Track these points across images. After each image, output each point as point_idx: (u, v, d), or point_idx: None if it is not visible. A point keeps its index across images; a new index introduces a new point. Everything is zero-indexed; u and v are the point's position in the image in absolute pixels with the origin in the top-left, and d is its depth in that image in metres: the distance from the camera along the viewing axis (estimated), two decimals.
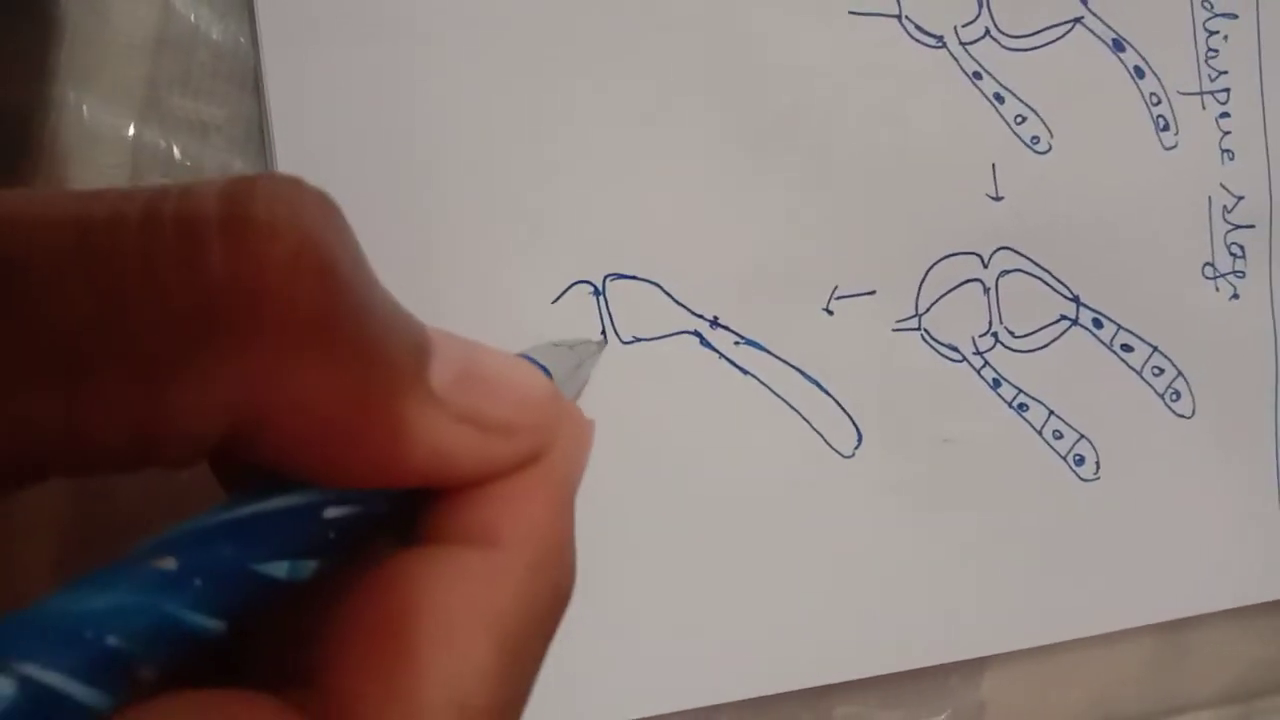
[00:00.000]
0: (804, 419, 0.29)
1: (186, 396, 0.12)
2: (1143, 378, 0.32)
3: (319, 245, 0.13)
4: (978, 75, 0.30)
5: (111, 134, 0.26)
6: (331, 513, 0.14)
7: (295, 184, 0.13)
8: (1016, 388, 0.31)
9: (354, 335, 0.13)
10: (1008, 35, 0.30)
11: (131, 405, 0.12)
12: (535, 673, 0.15)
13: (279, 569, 0.14)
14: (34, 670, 0.11)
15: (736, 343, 0.29)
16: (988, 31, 0.30)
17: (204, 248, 0.12)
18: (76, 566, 0.13)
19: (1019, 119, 0.31)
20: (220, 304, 0.12)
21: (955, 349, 0.31)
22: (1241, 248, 0.33)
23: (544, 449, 0.16)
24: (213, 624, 0.13)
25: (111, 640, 0.12)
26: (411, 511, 0.15)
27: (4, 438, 0.12)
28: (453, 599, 0.14)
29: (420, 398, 0.14)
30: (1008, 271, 0.31)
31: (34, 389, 0.12)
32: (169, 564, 0.13)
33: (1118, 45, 0.31)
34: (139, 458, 0.13)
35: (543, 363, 0.22)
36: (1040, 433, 0.31)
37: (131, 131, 0.26)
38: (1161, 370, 0.32)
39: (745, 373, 0.29)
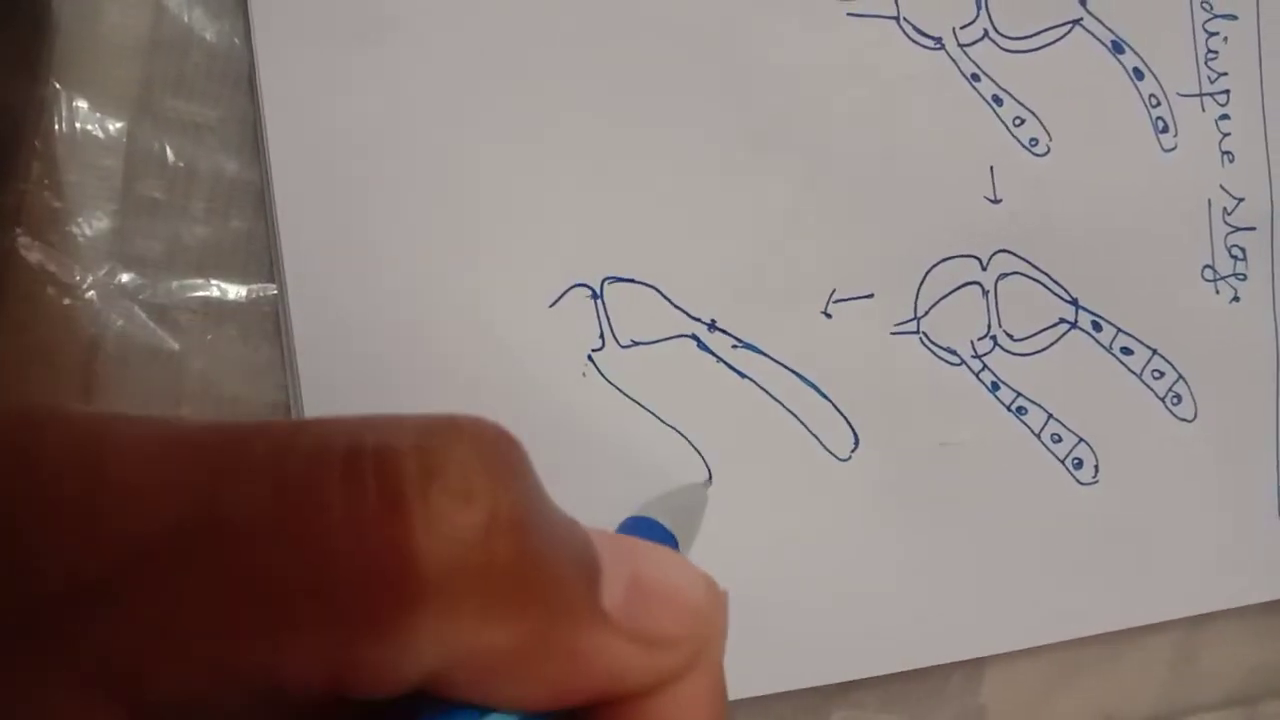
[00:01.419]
0: (801, 422, 0.29)
1: (384, 656, 0.13)
2: (1143, 381, 0.32)
3: (513, 506, 0.13)
4: (976, 77, 0.30)
5: (105, 135, 0.26)
6: None
7: (486, 436, 0.14)
8: (1015, 391, 0.31)
9: (539, 582, 0.14)
10: (1006, 37, 0.30)
11: (329, 661, 0.12)
12: None
13: None
14: None
15: (734, 346, 0.29)
16: (986, 33, 0.30)
17: (406, 513, 0.12)
18: None
19: (1017, 121, 0.31)
20: (419, 569, 0.12)
21: (954, 352, 0.30)
22: (1242, 250, 0.33)
23: (707, 651, 0.16)
24: None
25: None
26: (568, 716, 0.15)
27: (205, 684, 0.12)
28: None
29: (595, 623, 0.14)
30: (1006, 274, 0.31)
31: (239, 638, 0.12)
32: None
33: (1117, 47, 0.31)
34: (327, 704, 0.13)
35: (661, 518, 0.23)
36: (1039, 436, 0.31)
37: (125, 133, 0.26)
38: (1162, 373, 0.32)
39: (743, 376, 0.29)
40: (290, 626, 0.12)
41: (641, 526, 0.24)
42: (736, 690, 0.29)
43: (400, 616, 0.12)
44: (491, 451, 0.13)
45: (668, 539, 0.23)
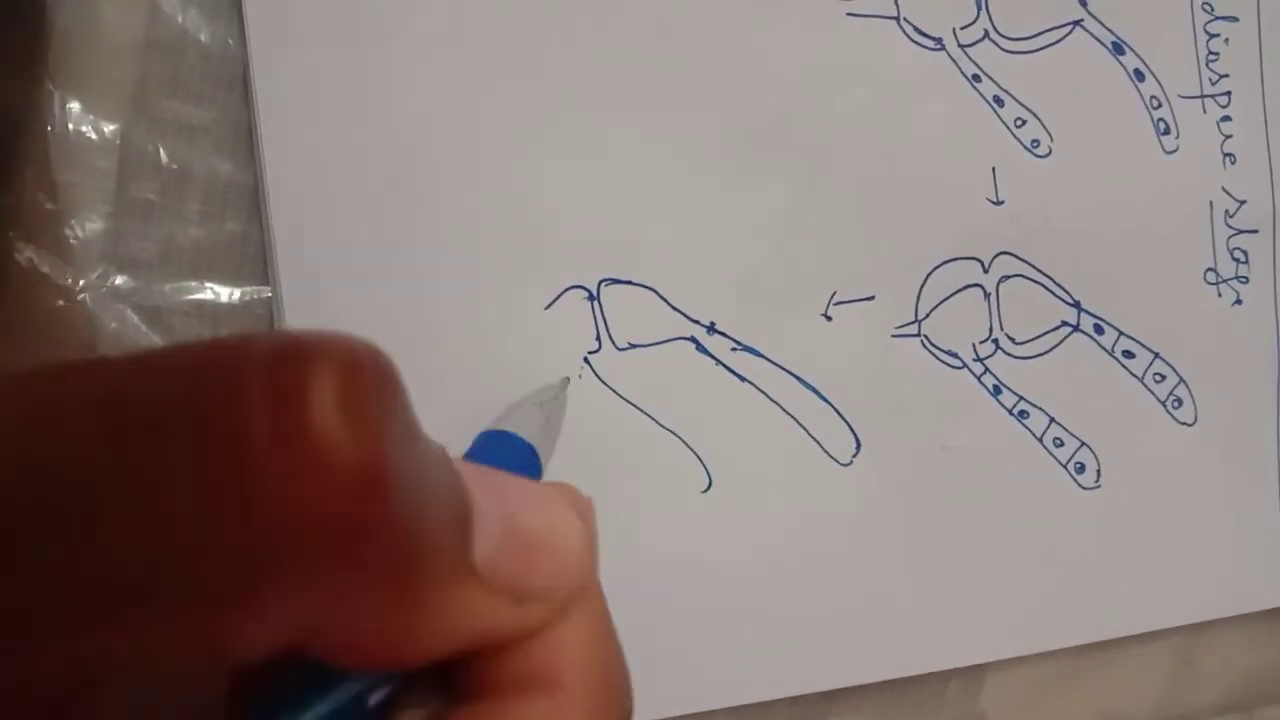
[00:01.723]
0: (801, 426, 0.29)
1: (243, 627, 0.12)
2: (1144, 385, 0.32)
3: (384, 453, 0.11)
4: (977, 78, 0.30)
5: (99, 137, 0.25)
6: (375, 698, 0.14)
7: (350, 363, 0.12)
8: (1017, 395, 0.31)
9: (406, 540, 0.12)
10: (1007, 38, 0.30)
11: (184, 635, 0.11)
12: None
13: None
14: None
15: (734, 349, 0.29)
16: (987, 34, 0.30)
17: (257, 470, 0.11)
18: None
19: (1019, 122, 0.30)
20: (273, 533, 0.11)
21: (955, 355, 0.30)
22: (1244, 253, 0.32)
23: (582, 593, 0.15)
24: None
25: None
26: (440, 669, 0.15)
27: (62, 673, 0.11)
28: None
29: (465, 580, 0.13)
30: (1008, 277, 0.31)
31: (84, 621, 0.11)
32: None
33: (1118, 48, 0.31)
34: (191, 673, 0.12)
35: (518, 429, 0.22)
36: (1041, 440, 0.31)
37: (119, 134, 0.26)
38: (1163, 377, 0.32)
39: (742, 379, 0.29)
40: (139, 603, 0.11)
41: (500, 443, 0.22)
42: (734, 697, 0.29)
43: (251, 584, 0.11)
44: (358, 390, 0.11)
45: (529, 456, 0.22)
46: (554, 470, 0.27)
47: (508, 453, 0.22)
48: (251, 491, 0.11)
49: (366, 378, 0.12)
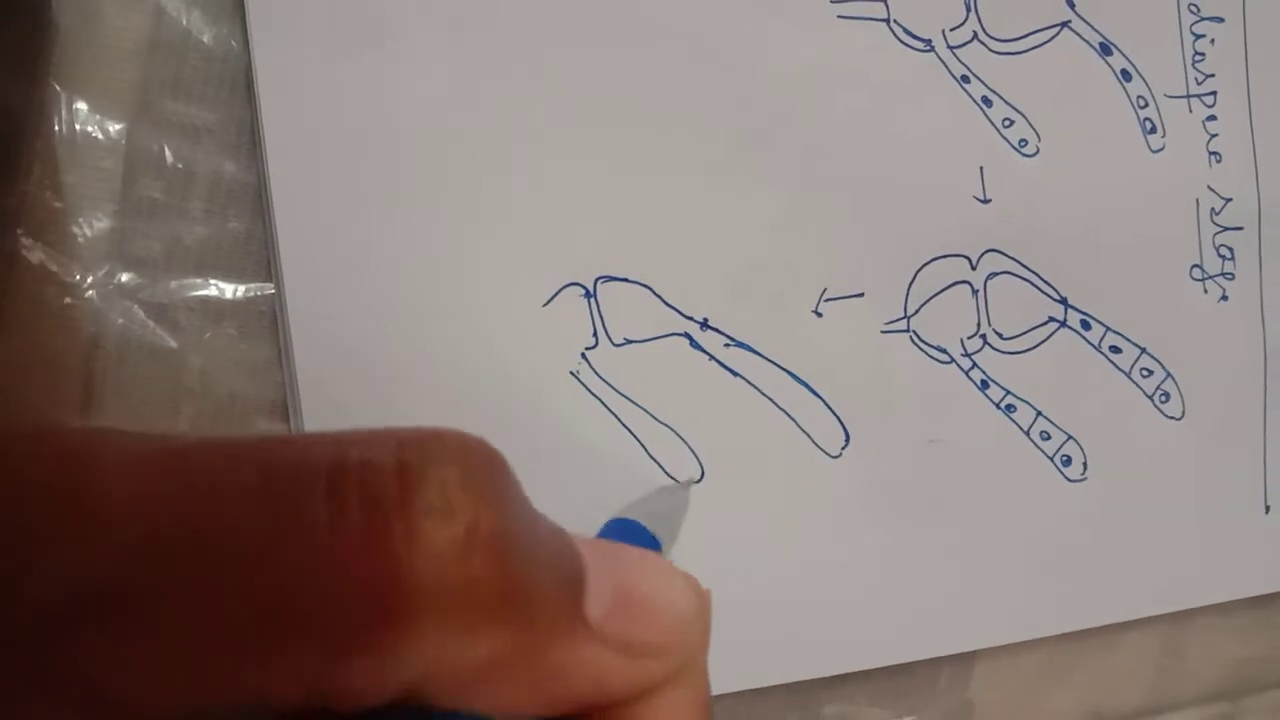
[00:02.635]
0: (792, 420, 0.30)
1: (364, 673, 0.13)
2: (1131, 379, 0.32)
3: (494, 521, 0.13)
4: (965, 78, 0.30)
5: (104, 137, 0.26)
6: None
7: (467, 450, 0.13)
8: (1005, 389, 0.31)
9: (523, 597, 0.13)
10: (995, 39, 0.31)
11: (312, 679, 0.13)
12: None
13: None
14: None
15: (726, 344, 0.29)
16: (975, 35, 0.30)
17: (386, 531, 0.12)
18: None
19: (1006, 122, 0.31)
20: (399, 587, 0.12)
21: (944, 350, 0.31)
22: (1230, 249, 0.33)
23: (693, 660, 0.16)
24: None
25: None
26: None
27: (188, 702, 0.12)
28: None
29: (578, 635, 0.14)
30: (996, 273, 0.31)
31: (222, 658, 0.12)
32: None
33: (1105, 49, 0.31)
34: (308, 715, 0.13)
35: (644, 519, 0.23)
36: (1028, 434, 0.31)
37: (124, 134, 0.26)
38: (1150, 371, 0.32)
39: (735, 374, 0.29)
40: (273, 646, 0.12)
41: (624, 529, 0.24)
42: (727, 684, 0.29)
43: (381, 634, 0.13)
44: (473, 466, 0.13)
45: (650, 542, 0.23)
46: (554, 460, 0.28)
47: (631, 537, 0.24)
48: (375, 554, 0.12)
49: (481, 458, 0.14)
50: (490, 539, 0.13)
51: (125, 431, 0.14)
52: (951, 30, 0.30)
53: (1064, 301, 0.32)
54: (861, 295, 0.30)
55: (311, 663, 0.12)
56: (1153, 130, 0.32)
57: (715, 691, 0.29)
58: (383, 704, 0.13)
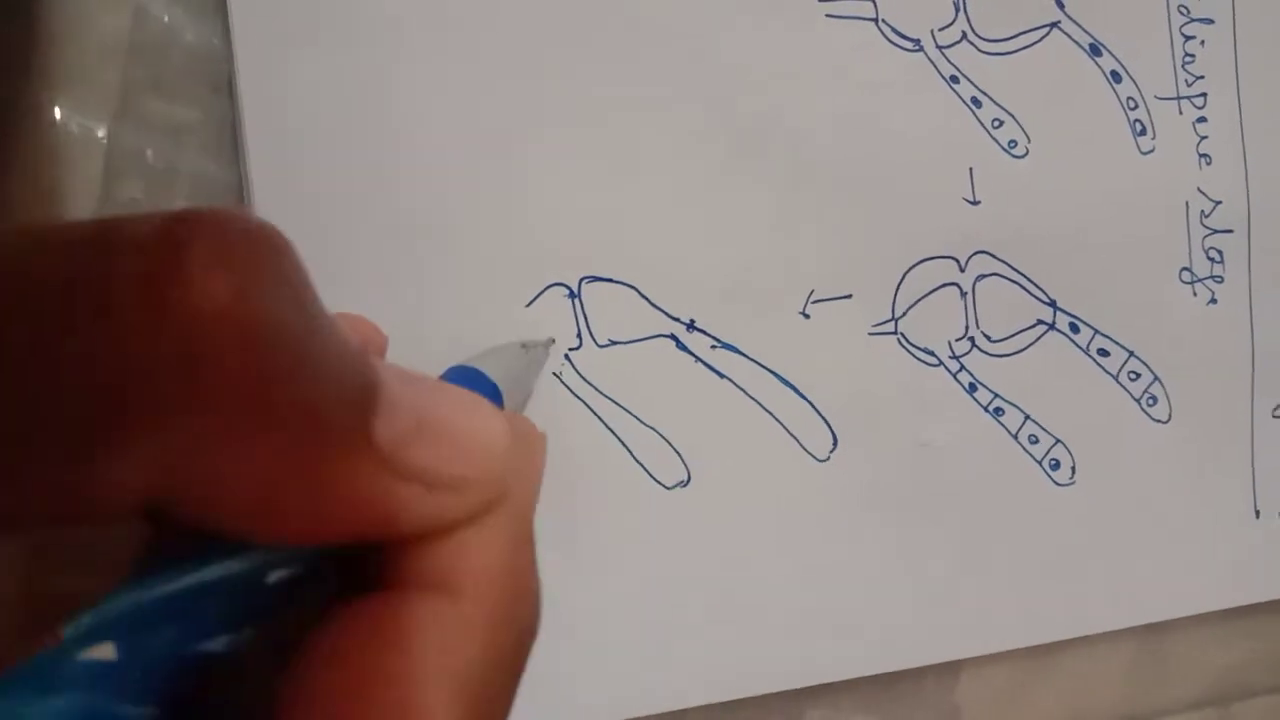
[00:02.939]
0: (779, 422, 0.29)
1: (106, 472, 0.11)
2: (1119, 382, 0.32)
3: (250, 301, 0.12)
4: (955, 79, 0.30)
5: (85, 137, 0.26)
6: (275, 575, 0.13)
7: (234, 223, 0.12)
8: (993, 392, 0.31)
9: (289, 398, 0.12)
10: (984, 39, 0.30)
11: (43, 481, 0.11)
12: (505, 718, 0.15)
13: (218, 643, 0.13)
14: None
15: (713, 346, 0.29)
16: (964, 35, 0.30)
17: (128, 305, 0.11)
18: None
19: (996, 123, 0.31)
20: (142, 370, 0.11)
21: (932, 353, 0.31)
22: (1219, 252, 0.33)
23: (501, 496, 0.15)
24: (148, 712, 0.12)
25: None
26: (348, 559, 0.14)
27: None
28: (415, 658, 0.13)
29: (362, 454, 0.13)
30: (984, 276, 0.31)
31: None
32: (108, 653, 0.11)
33: (1094, 49, 0.31)
34: (58, 522, 0.12)
35: (493, 368, 0.21)
36: (1016, 437, 0.31)
37: (105, 134, 0.26)
38: (1138, 375, 0.32)
39: (721, 376, 0.29)
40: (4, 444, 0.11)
41: (464, 375, 0.22)
42: (711, 695, 0.29)
43: (115, 425, 0.11)
44: (244, 244, 0.12)
45: (490, 390, 0.22)
46: None
47: (472, 387, 0.22)
48: (110, 329, 0.11)
49: (242, 235, 0.12)
50: (252, 325, 0.12)
51: None
52: (940, 30, 0.30)
53: (1053, 304, 0.31)
54: (849, 297, 0.30)
55: (42, 464, 0.11)
56: (1142, 132, 0.32)
57: (701, 702, 0.29)
58: (133, 512, 0.12)
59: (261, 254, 0.12)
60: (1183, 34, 0.32)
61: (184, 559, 0.13)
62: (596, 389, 0.28)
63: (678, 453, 0.29)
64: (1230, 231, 0.33)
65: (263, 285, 0.12)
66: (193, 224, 0.12)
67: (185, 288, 0.11)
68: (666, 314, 0.29)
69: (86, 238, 0.12)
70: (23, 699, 0.11)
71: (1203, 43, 0.32)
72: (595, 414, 0.28)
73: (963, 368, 0.31)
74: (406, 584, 0.14)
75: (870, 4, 0.30)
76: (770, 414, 0.29)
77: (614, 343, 0.28)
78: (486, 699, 0.14)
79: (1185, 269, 0.33)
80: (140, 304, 0.11)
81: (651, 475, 0.29)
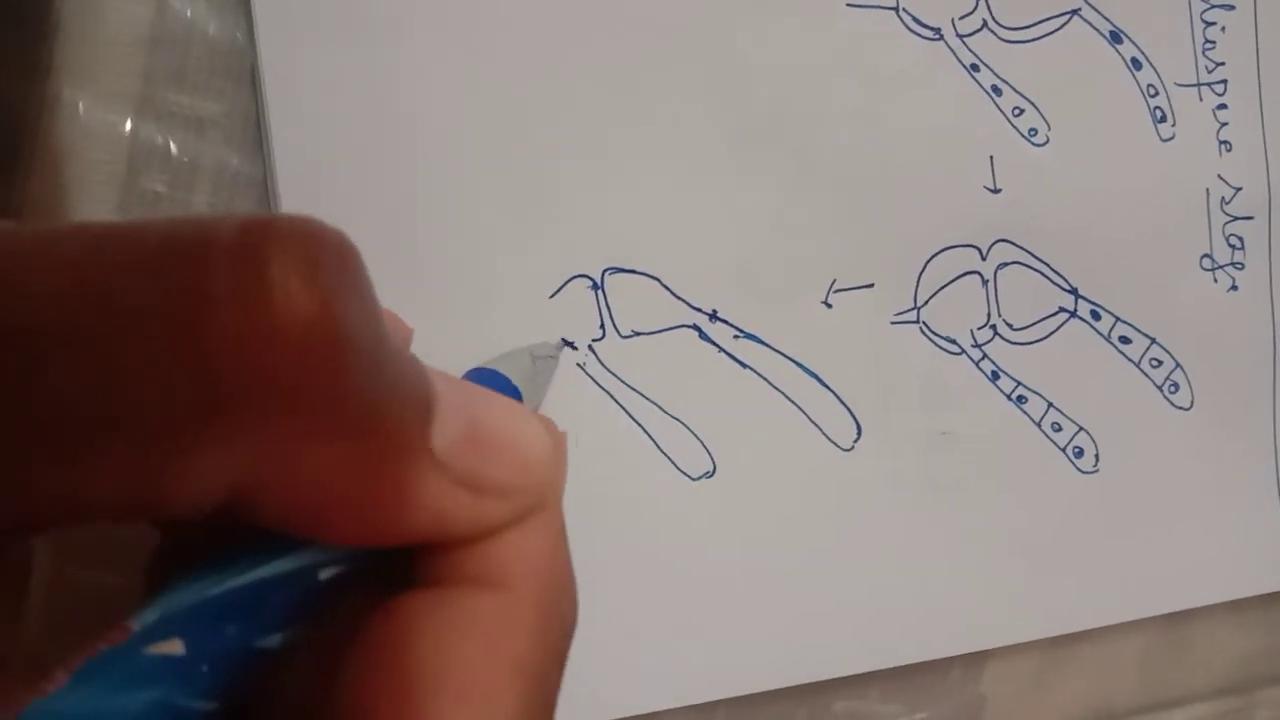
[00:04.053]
0: (803, 412, 0.29)
1: (185, 472, 0.12)
2: (1141, 370, 0.32)
3: (335, 315, 0.12)
4: (975, 67, 0.30)
5: (108, 131, 0.26)
6: (326, 574, 0.14)
7: (311, 235, 0.12)
8: (1015, 380, 0.31)
9: (362, 407, 0.13)
10: (1005, 27, 0.30)
11: (129, 476, 0.12)
12: (554, 707, 0.15)
13: (273, 640, 0.13)
14: None
15: (735, 336, 0.29)
16: (985, 23, 0.30)
17: (209, 313, 0.11)
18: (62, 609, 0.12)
19: (1016, 111, 0.31)
20: (225, 378, 0.12)
21: (954, 341, 0.31)
22: (1240, 239, 0.33)
23: (543, 502, 0.16)
24: (211, 706, 0.12)
25: None
26: (393, 559, 0.15)
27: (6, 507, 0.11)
28: (469, 648, 0.14)
29: (423, 462, 0.14)
30: (1006, 264, 0.31)
31: (30, 459, 0.11)
32: (177, 649, 0.12)
33: (1115, 37, 0.31)
34: (133, 517, 0.12)
35: (508, 373, 0.22)
36: (1039, 425, 0.31)
37: (128, 128, 0.26)
38: (1160, 362, 0.32)
39: (744, 366, 0.29)
40: (82, 442, 0.11)
41: (485, 378, 0.23)
42: (737, 687, 0.29)
43: (196, 428, 0.11)
44: (320, 254, 0.12)
45: (512, 392, 0.23)
46: None
47: (494, 389, 0.23)
48: (205, 337, 0.11)
49: (326, 248, 0.12)
50: (329, 334, 0.12)
51: None
52: (961, 19, 0.30)
53: (1074, 292, 0.31)
54: (871, 286, 0.30)
55: (127, 460, 0.11)
56: (1163, 119, 0.32)
57: (725, 695, 0.29)
58: (211, 509, 0.12)
59: (344, 267, 0.13)
60: (1203, 20, 0.32)
61: (239, 557, 0.13)
62: (620, 379, 0.28)
63: (703, 443, 0.29)
64: (1251, 218, 0.33)
65: (345, 297, 0.12)
66: (281, 237, 0.12)
67: (277, 301, 0.12)
68: (689, 304, 0.29)
69: (180, 250, 0.12)
70: (102, 695, 0.11)
71: (1223, 29, 0.32)
72: (620, 404, 0.28)
73: (985, 356, 0.31)
74: (459, 581, 0.15)
75: None
76: (794, 403, 0.29)
77: (637, 333, 0.28)
78: (540, 689, 0.15)
79: (1206, 255, 0.33)
80: (235, 318, 0.11)
81: (677, 466, 0.29)
